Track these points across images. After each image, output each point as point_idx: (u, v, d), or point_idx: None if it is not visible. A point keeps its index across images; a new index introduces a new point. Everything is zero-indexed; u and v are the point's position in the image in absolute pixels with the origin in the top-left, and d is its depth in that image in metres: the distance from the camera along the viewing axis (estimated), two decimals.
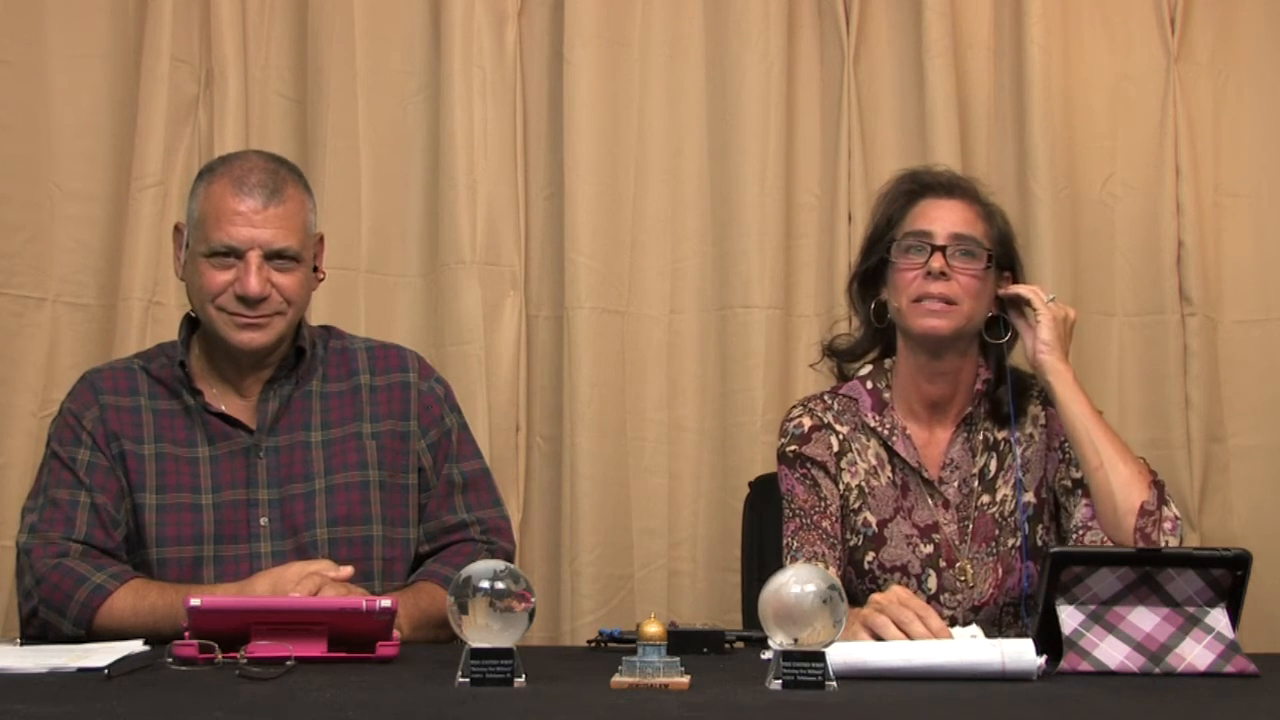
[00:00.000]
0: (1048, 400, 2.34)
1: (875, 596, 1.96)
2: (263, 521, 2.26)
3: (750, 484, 2.80)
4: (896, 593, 1.95)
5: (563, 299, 3.12)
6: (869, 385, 2.40)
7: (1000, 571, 2.32)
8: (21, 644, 2.05)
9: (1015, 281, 2.38)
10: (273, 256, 2.23)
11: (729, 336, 3.14)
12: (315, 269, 2.34)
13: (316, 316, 2.53)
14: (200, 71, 3.12)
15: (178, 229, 2.33)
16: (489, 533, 2.36)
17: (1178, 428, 3.12)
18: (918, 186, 2.39)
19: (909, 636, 1.86)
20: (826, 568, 2.25)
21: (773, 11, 3.14)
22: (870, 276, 2.41)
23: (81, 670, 1.73)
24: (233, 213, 2.22)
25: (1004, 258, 2.37)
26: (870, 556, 2.33)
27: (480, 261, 3.10)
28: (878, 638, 1.88)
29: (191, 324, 2.34)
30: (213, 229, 2.22)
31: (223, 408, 2.30)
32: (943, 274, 2.27)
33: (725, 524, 3.06)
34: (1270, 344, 3.16)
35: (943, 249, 2.28)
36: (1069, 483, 2.31)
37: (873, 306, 2.39)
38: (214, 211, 2.22)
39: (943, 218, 2.32)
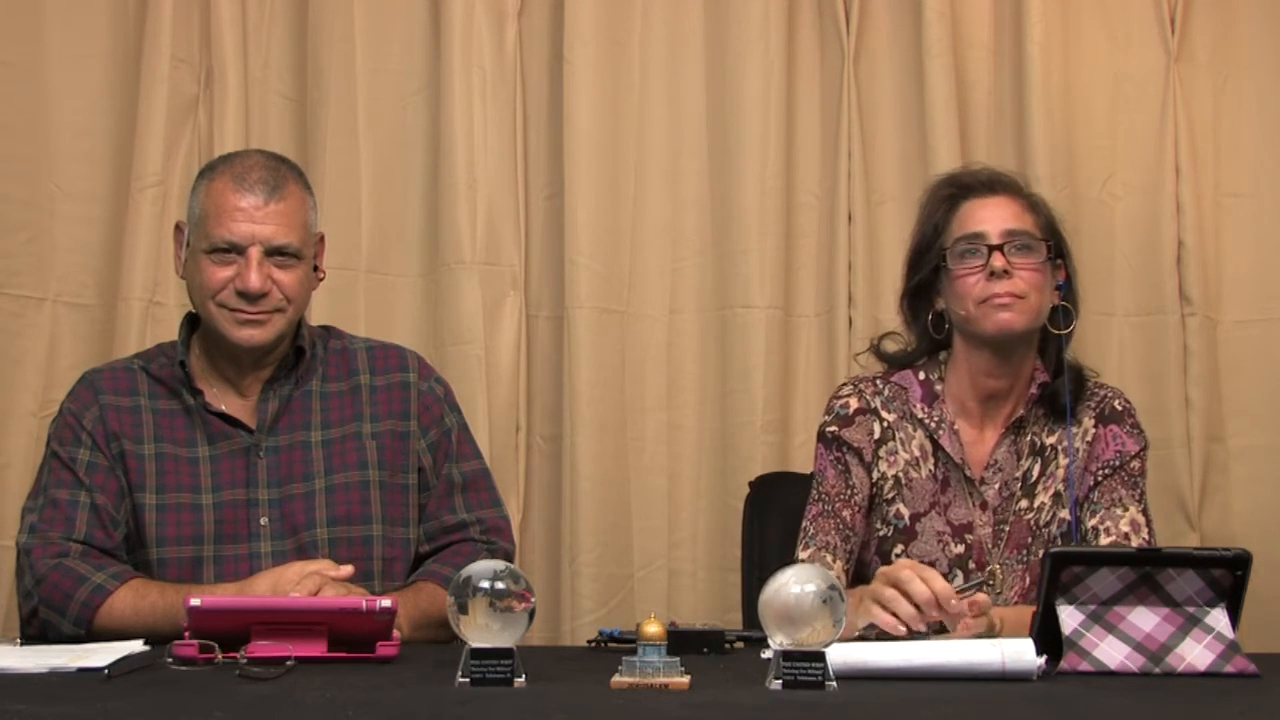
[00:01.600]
0: (1103, 415, 2.32)
1: (882, 569, 1.96)
2: (263, 521, 2.26)
3: (750, 484, 2.80)
4: (901, 564, 1.95)
5: (563, 299, 3.12)
6: (921, 376, 2.36)
7: (1028, 581, 2.28)
8: (21, 644, 2.04)
9: (1067, 271, 2.32)
10: (273, 253, 2.23)
11: (729, 336, 3.14)
12: (315, 268, 2.34)
13: (316, 316, 2.53)
14: (200, 71, 3.12)
15: (178, 228, 2.33)
16: (489, 533, 2.36)
17: (1178, 428, 3.11)
18: (958, 189, 2.33)
19: (910, 598, 1.87)
20: (834, 560, 2.25)
21: (773, 11, 3.14)
22: (921, 288, 2.35)
23: (81, 670, 1.72)
24: (234, 209, 2.22)
25: (1056, 246, 2.31)
26: (899, 549, 2.31)
27: (480, 261, 3.10)
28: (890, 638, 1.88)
29: (191, 324, 2.34)
30: (214, 225, 2.22)
31: (223, 407, 2.30)
32: (1005, 272, 2.22)
33: (725, 524, 3.06)
34: (1270, 344, 3.16)
35: (999, 248, 2.23)
36: (1084, 527, 2.28)
37: (930, 317, 2.33)
38: (215, 208, 2.23)
39: (991, 216, 2.27)
